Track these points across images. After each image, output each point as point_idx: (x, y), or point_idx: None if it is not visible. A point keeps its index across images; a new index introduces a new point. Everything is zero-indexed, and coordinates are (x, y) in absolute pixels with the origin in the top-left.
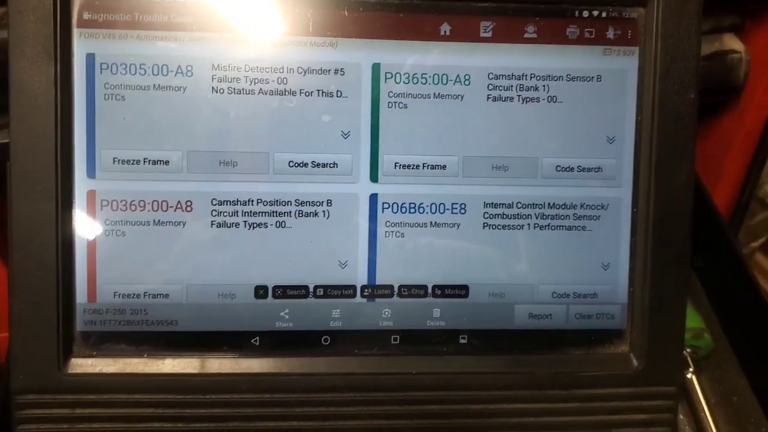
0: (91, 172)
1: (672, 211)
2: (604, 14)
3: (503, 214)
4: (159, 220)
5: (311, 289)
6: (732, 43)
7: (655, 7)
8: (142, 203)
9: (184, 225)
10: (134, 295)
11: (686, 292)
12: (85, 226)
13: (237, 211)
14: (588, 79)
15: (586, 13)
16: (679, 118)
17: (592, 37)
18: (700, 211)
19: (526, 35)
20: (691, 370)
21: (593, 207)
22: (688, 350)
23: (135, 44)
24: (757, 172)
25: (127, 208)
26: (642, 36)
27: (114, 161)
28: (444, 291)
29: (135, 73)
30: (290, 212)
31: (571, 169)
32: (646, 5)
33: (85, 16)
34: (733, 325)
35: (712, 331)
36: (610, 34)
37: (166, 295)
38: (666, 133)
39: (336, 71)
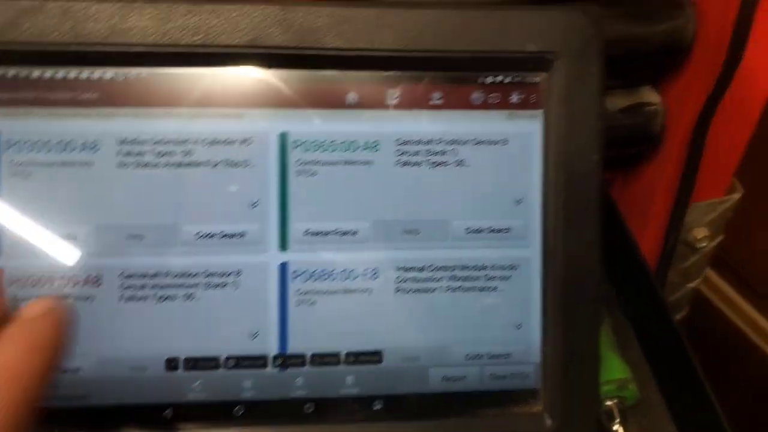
0: None
1: (580, 269)
2: (507, 79)
3: (415, 278)
4: (68, 295)
5: (222, 361)
6: (649, 95)
7: (557, 71)
8: (50, 280)
9: (93, 300)
10: None
11: (598, 348)
12: None
13: (146, 285)
14: (494, 142)
15: (490, 79)
16: (584, 179)
17: (497, 102)
18: (628, 258)
19: (432, 102)
20: (617, 420)
21: (504, 267)
22: (615, 401)
23: (40, 122)
24: (679, 218)
25: (36, 285)
26: (545, 100)
27: (21, 239)
28: (357, 357)
29: (41, 150)
30: (199, 284)
31: (481, 231)
32: (548, 70)
33: None
34: (661, 373)
35: (643, 378)
36: (514, 98)
37: (77, 370)
38: (571, 193)
39: (242, 141)
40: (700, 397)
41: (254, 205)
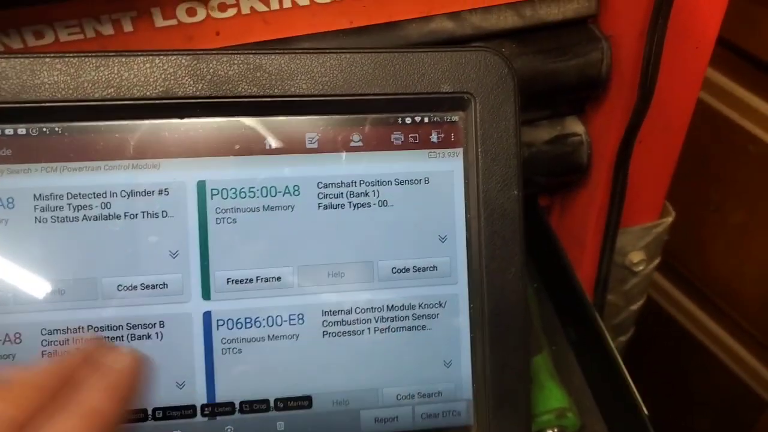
0: None
1: (506, 304)
2: (426, 119)
3: (342, 321)
4: None
5: (150, 412)
6: (574, 126)
7: (473, 111)
8: None
9: (13, 358)
10: None
11: (529, 382)
12: None
13: (68, 340)
14: (416, 181)
15: (408, 120)
16: (505, 214)
17: (417, 141)
18: (566, 285)
19: (352, 144)
20: None
21: (431, 306)
22: (555, 430)
23: None
24: (612, 243)
25: None
26: (464, 138)
27: None
28: (287, 403)
29: None
30: (122, 336)
31: (407, 270)
32: (465, 109)
33: None
34: (602, 398)
35: (585, 404)
36: (434, 137)
37: None
38: (493, 229)
39: (160, 192)
40: (639, 425)
41: (175, 255)
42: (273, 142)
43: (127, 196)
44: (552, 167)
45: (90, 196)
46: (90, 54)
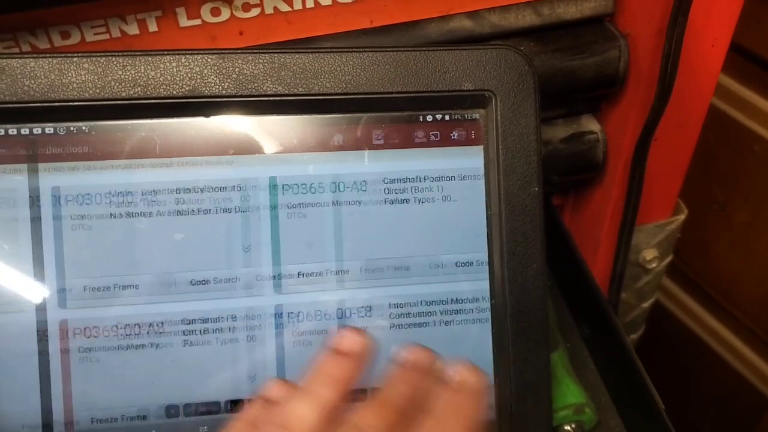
0: None
1: (527, 300)
2: (447, 117)
3: (408, 313)
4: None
5: (222, 405)
6: (589, 124)
7: (494, 108)
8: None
9: (92, 351)
10: None
11: (549, 377)
12: None
13: (141, 333)
14: (437, 179)
15: (429, 118)
16: (525, 211)
17: (438, 139)
18: (581, 282)
19: (375, 142)
20: None
21: (457, 302)
22: (573, 425)
23: None
24: (626, 241)
25: None
26: (485, 135)
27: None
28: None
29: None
30: (196, 330)
31: (444, 266)
32: (486, 107)
33: None
34: (617, 393)
35: (601, 400)
36: (455, 135)
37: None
38: (514, 226)
39: (230, 188)
40: (656, 419)
41: (247, 249)
42: (297, 140)
43: (201, 191)
44: (568, 165)
45: (166, 192)
46: (117, 54)
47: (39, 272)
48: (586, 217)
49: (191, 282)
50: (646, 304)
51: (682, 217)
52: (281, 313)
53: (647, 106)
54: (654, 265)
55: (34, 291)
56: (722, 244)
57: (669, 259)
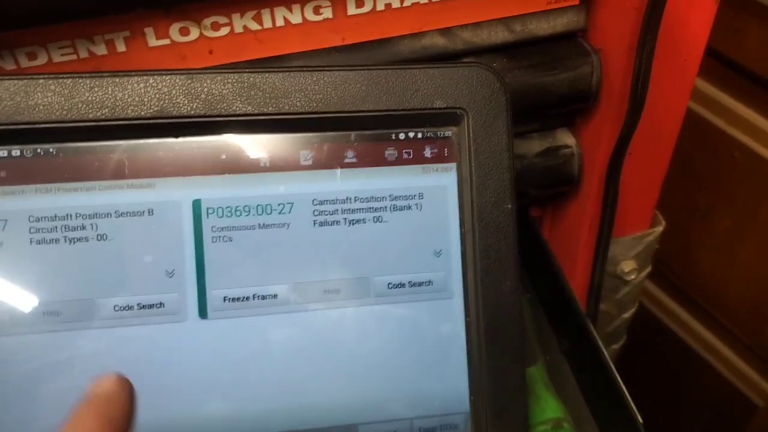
0: None
1: (501, 317)
2: (419, 135)
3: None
4: None
5: None
6: (564, 138)
7: (466, 126)
8: None
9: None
10: None
11: (525, 394)
12: None
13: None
14: (410, 197)
15: (402, 135)
16: (499, 228)
17: (410, 157)
18: (559, 295)
19: (346, 160)
20: None
21: (427, 320)
22: None
23: None
24: (604, 253)
25: None
26: (458, 153)
27: None
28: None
29: None
30: (116, 357)
31: (403, 285)
32: (458, 124)
33: None
34: (596, 407)
35: (580, 414)
36: (428, 152)
37: None
38: (488, 243)
39: (156, 211)
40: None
41: (171, 274)
42: (267, 160)
43: (122, 216)
44: (543, 179)
45: (85, 216)
46: (84, 75)
47: None
48: (564, 230)
49: (114, 308)
50: (626, 315)
51: (660, 228)
52: None
53: (620, 120)
54: (633, 276)
55: None
56: (707, 250)
57: (648, 270)
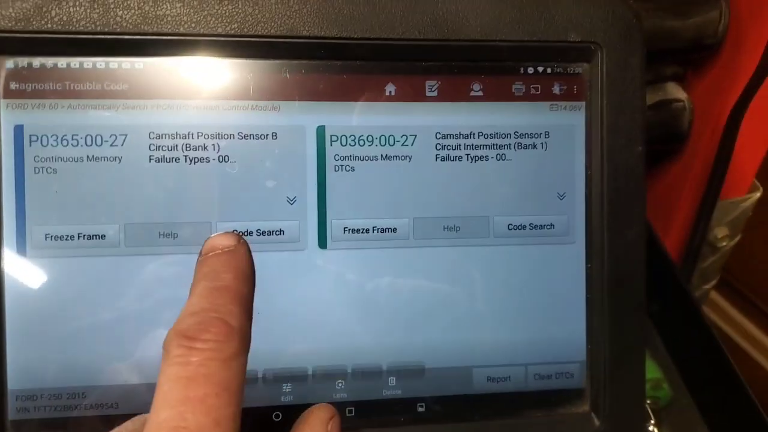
0: (21, 250)
1: (625, 265)
2: (549, 70)
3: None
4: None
5: (260, 370)
6: (675, 92)
7: (599, 62)
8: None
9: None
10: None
11: (644, 346)
12: (16, 305)
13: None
14: (536, 135)
15: (531, 70)
16: (628, 171)
17: (538, 93)
18: (653, 257)
19: (472, 93)
20: (652, 422)
21: (547, 264)
22: (648, 402)
23: (66, 114)
24: (707, 217)
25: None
26: (588, 91)
27: (47, 237)
28: (399, 370)
29: (67, 145)
30: None
31: (524, 227)
32: (591, 60)
33: (12, 86)
34: (690, 372)
35: (671, 379)
36: (556, 89)
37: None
38: (615, 187)
39: (279, 135)
40: (736, 393)
41: (292, 201)
42: (393, 89)
43: (246, 138)
44: (652, 134)
45: (208, 136)
46: None
47: None
48: (660, 190)
49: (234, 232)
50: (708, 286)
51: (757, 195)
52: None
53: (741, 73)
54: (724, 243)
55: None
56: (756, 241)
57: (738, 238)
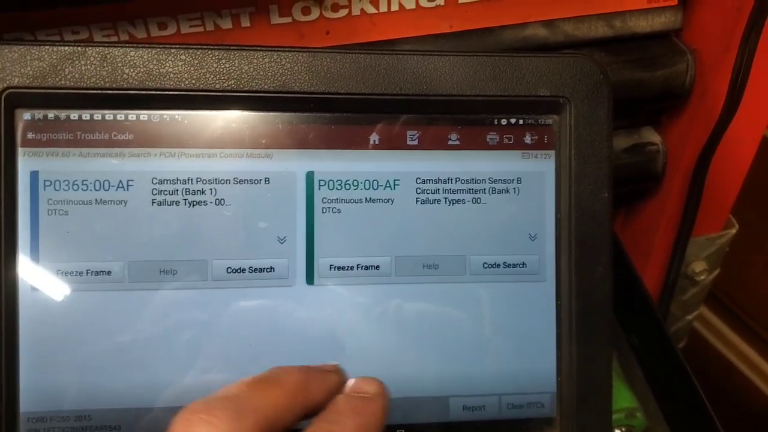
0: (34, 285)
1: (592, 302)
2: (521, 122)
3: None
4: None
5: None
6: (650, 135)
7: (568, 114)
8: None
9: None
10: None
11: (610, 379)
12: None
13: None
14: (509, 181)
15: (504, 121)
16: (595, 215)
17: (511, 142)
18: (632, 291)
19: (450, 142)
20: None
21: (519, 301)
22: (623, 429)
23: (77, 161)
24: (681, 252)
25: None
26: (557, 141)
27: (58, 273)
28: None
29: (77, 189)
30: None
31: (498, 266)
32: (560, 113)
33: (29, 135)
34: (666, 402)
35: (648, 407)
36: (528, 139)
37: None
38: (583, 230)
39: (271, 180)
40: (706, 425)
41: (283, 240)
42: (377, 138)
43: (240, 183)
44: (628, 175)
45: (205, 181)
46: (213, 47)
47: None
48: (639, 227)
49: (227, 270)
50: (690, 317)
51: (732, 231)
52: None
53: (710, 119)
54: (702, 277)
55: None
56: (755, 267)
57: (716, 272)
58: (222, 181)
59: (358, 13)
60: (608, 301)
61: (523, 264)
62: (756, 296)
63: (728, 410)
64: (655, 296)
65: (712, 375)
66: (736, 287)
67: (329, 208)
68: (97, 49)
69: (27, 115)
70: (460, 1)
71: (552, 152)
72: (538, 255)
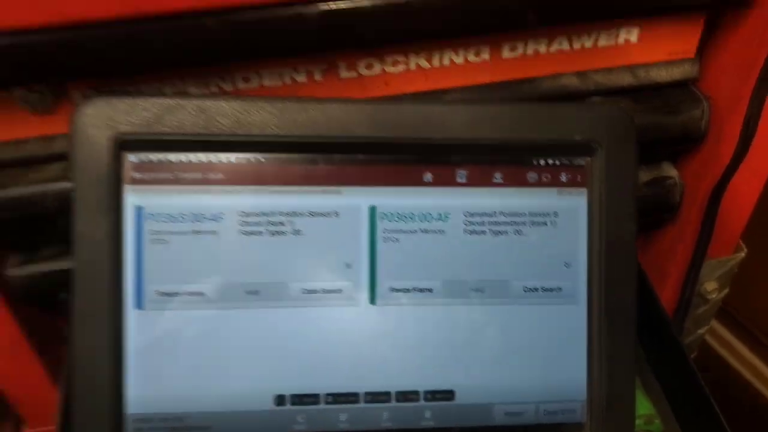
0: (138, 304)
1: (620, 323)
2: (557, 162)
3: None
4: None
5: (322, 397)
6: (669, 170)
7: (599, 156)
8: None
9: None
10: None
11: (634, 388)
12: (134, 347)
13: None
14: (546, 215)
15: (543, 162)
16: (622, 245)
17: (549, 181)
18: (651, 311)
19: (495, 180)
20: None
21: (555, 322)
22: None
23: (176, 197)
24: (696, 274)
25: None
26: (589, 179)
27: (158, 294)
28: (434, 395)
29: (176, 222)
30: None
31: (536, 290)
32: (593, 155)
33: (135, 175)
34: (680, 410)
35: (663, 415)
36: (564, 178)
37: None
38: (612, 258)
39: (340, 213)
40: (715, 427)
41: (349, 266)
42: (430, 176)
43: (314, 216)
44: (648, 206)
45: (285, 214)
46: (292, 100)
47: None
48: (655, 254)
49: (302, 291)
50: (701, 330)
51: (741, 254)
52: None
53: (723, 159)
54: (714, 295)
55: None
56: (760, 285)
57: (726, 291)
58: (299, 215)
59: (414, 68)
60: (632, 322)
61: (559, 288)
62: (761, 310)
63: (732, 413)
64: (670, 312)
65: (720, 382)
66: (744, 302)
67: (389, 237)
68: (195, 102)
69: (133, 158)
70: (503, 56)
71: (585, 190)
72: (572, 281)
